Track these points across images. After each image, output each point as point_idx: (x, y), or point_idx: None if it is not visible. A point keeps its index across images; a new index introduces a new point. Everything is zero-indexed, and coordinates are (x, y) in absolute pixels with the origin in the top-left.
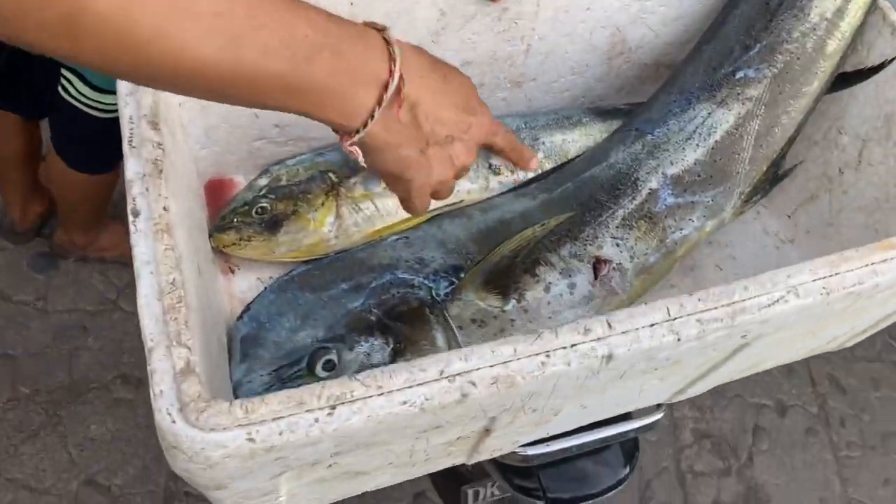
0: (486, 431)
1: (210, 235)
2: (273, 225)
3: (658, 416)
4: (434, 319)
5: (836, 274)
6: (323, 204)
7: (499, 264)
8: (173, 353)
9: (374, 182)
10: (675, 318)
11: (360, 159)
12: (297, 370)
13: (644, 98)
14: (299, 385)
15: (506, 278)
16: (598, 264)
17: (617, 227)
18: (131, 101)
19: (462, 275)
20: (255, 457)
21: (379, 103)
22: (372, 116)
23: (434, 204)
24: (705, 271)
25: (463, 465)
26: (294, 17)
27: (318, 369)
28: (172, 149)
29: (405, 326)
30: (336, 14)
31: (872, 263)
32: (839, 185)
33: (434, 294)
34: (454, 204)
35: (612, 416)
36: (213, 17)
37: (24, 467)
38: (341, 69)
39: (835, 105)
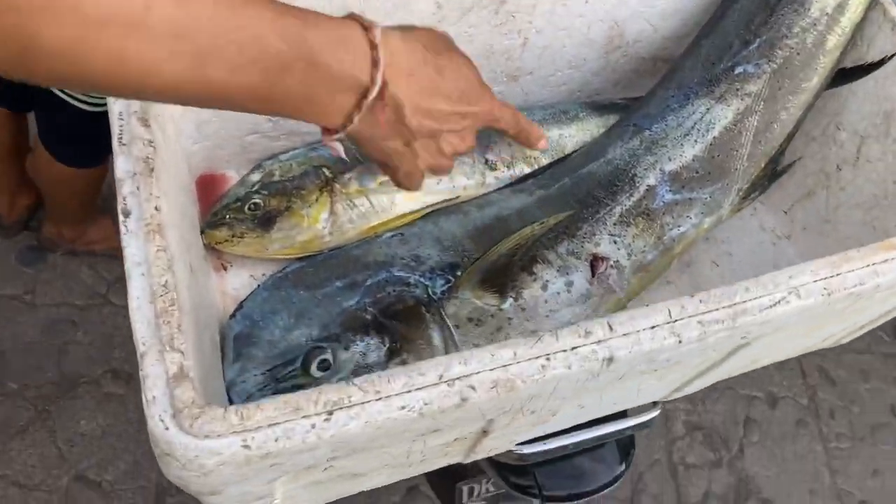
0: (484, 433)
1: (202, 232)
2: (266, 221)
3: (654, 413)
4: (430, 318)
5: (838, 274)
6: (317, 200)
7: (496, 263)
8: (166, 358)
9: (369, 178)
10: (677, 320)
11: (342, 154)
12: (291, 370)
13: (641, 92)
14: (294, 385)
15: (503, 276)
16: (595, 262)
17: (614, 224)
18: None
19: (458, 272)
20: (250, 463)
21: (359, 107)
22: (352, 119)
23: (429, 200)
24: (702, 267)
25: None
26: (265, 31)
27: (313, 369)
28: (163, 145)
29: (401, 325)
30: (321, 13)
31: (874, 264)
32: (837, 181)
33: (430, 292)
34: (450, 200)
35: (608, 413)
36: (174, 40)
37: (13, 464)
38: (318, 79)
39: (833, 101)
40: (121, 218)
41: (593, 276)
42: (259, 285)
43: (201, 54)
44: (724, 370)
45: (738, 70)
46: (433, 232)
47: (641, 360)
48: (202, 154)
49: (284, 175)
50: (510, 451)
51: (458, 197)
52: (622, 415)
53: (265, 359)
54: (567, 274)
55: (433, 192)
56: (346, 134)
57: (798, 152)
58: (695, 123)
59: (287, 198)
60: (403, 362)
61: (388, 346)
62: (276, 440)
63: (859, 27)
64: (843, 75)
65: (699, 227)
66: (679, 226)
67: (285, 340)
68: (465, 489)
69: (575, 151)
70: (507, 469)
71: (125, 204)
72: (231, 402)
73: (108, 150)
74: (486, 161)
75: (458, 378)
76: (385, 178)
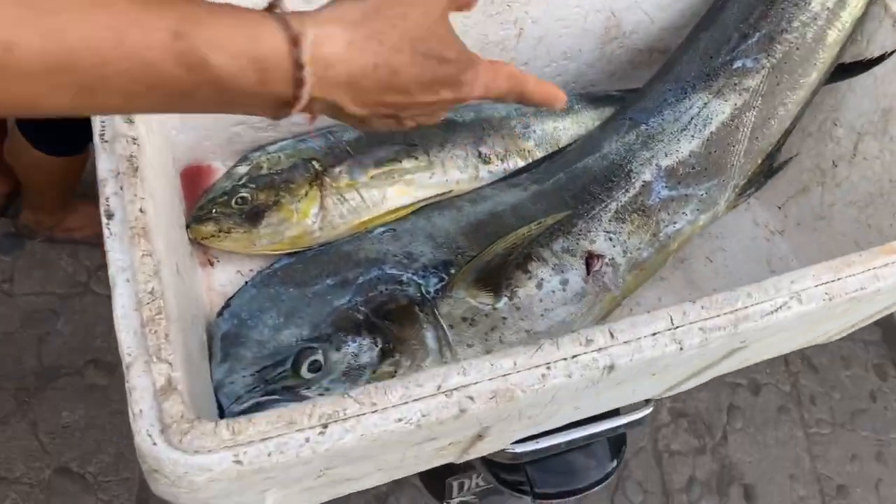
0: (479, 437)
1: (187, 227)
2: (254, 216)
3: (647, 411)
4: (424, 318)
5: (839, 279)
6: (306, 194)
7: (491, 262)
8: (153, 370)
9: (360, 171)
10: (678, 327)
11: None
12: (281, 371)
13: (637, 84)
14: (284, 387)
15: (498, 275)
16: (590, 259)
17: (610, 220)
18: None
19: (452, 270)
20: (242, 479)
21: (287, 112)
22: (284, 115)
23: (421, 194)
24: (695, 263)
25: None
26: (157, 58)
27: (304, 370)
28: (147, 140)
29: (394, 325)
30: (237, 23)
31: (874, 268)
32: (832, 177)
33: (423, 291)
34: (442, 194)
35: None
36: (49, 76)
37: None
38: (228, 100)
39: (831, 96)
40: (104, 220)
41: (588, 273)
42: (247, 282)
43: (86, 86)
44: (718, 370)
45: (737, 64)
46: (426, 228)
47: (642, 367)
48: (187, 145)
49: (272, 168)
50: (503, 450)
51: (450, 191)
52: (615, 413)
53: (254, 359)
54: (562, 272)
55: (425, 186)
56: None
57: (794, 148)
58: (692, 118)
59: (275, 192)
60: (396, 363)
61: (380, 346)
62: (268, 455)
63: (860, 22)
64: (842, 71)
65: (695, 223)
66: (675, 222)
67: (275, 340)
68: (455, 484)
69: (570, 144)
70: (499, 466)
71: (108, 205)
72: (219, 403)
73: (89, 138)
74: (480, 154)
75: (456, 388)
76: (377, 172)
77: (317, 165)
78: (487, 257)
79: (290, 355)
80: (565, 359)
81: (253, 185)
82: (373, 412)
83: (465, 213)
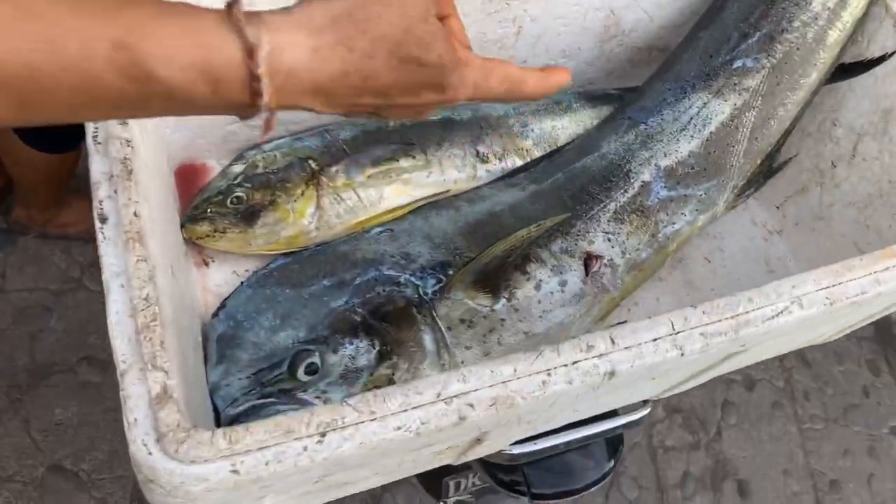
0: (478, 441)
1: (182, 226)
2: (249, 216)
3: (645, 411)
4: (421, 320)
5: (840, 283)
6: (303, 194)
7: (489, 264)
8: (148, 378)
9: (357, 170)
10: (679, 332)
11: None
12: (277, 374)
13: (635, 82)
14: (280, 390)
15: (496, 277)
16: (588, 260)
17: (608, 221)
18: None
19: (450, 271)
20: (239, 488)
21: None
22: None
23: (418, 194)
24: (693, 263)
25: None
26: (99, 71)
27: (300, 373)
28: (142, 141)
29: (391, 327)
30: (185, 29)
31: (876, 272)
32: (831, 178)
33: (421, 292)
34: (441, 194)
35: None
36: None
37: None
38: (181, 108)
39: (831, 96)
40: (97, 224)
41: (587, 275)
42: (242, 282)
43: (27, 101)
44: (716, 371)
45: (737, 64)
46: (423, 228)
47: (643, 373)
48: (181, 143)
49: (268, 167)
50: (500, 451)
51: (448, 191)
52: (613, 413)
53: (250, 361)
54: (561, 273)
55: (423, 185)
56: None
57: (793, 148)
58: (691, 118)
59: (271, 191)
60: (394, 366)
61: (377, 348)
62: (266, 464)
63: (860, 22)
64: (842, 71)
65: (693, 224)
66: (673, 223)
67: (271, 342)
68: (452, 484)
69: (568, 144)
70: (496, 467)
71: (101, 209)
72: (215, 406)
73: (82, 135)
74: (478, 153)
75: (455, 396)
76: (374, 171)
77: (313, 164)
78: (486, 259)
79: (286, 357)
80: (566, 365)
81: (248, 185)
82: (371, 420)
83: (463, 214)
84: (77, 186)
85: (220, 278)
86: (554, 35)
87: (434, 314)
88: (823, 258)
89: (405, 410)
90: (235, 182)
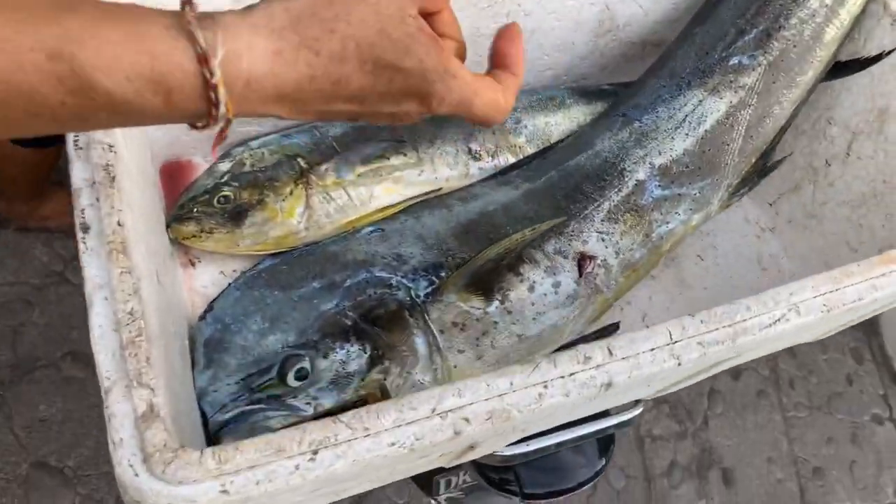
0: (470, 448)
1: (168, 226)
2: (237, 215)
3: (637, 411)
4: (414, 323)
5: (837, 290)
6: (291, 193)
7: (483, 267)
8: (134, 395)
9: (347, 169)
10: (677, 342)
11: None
12: (267, 379)
13: (629, 77)
14: (270, 396)
15: (489, 279)
16: (582, 261)
17: (602, 220)
18: None
19: (442, 273)
20: None
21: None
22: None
23: (410, 192)
24: (686, 261)
25: None
26: (37, 84)
27: (290, 378)
28: (124, 143)
29: (383, 331)
30: (130, 33)
31: (872, 278)
32: (825, 176)
33: (413, 295)
34: (432, 192)
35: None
36: None
37: None
38: (136, 120)
39: (826, 95)
40: (79, 233)
41: (580, 275)
42: (230, 284)
43: None
44: (708, 373)
45: (733, 61)
46: (415, 228)
47: (640, 383)
48: (166, 139)
49: (256, 165)
50: (493, 454)
51: (440, 189)
52: (605, 413)
53: (238, 366)
54: (554, 274)
55: (414, 183)
56: None
57: (787, 146)
58: (686, 116)
59: (259, 190)
60: (386, 371)
61: (369, 353)
62: (257, 483)
63: (858, 20)
64: (838, 69)
65: (688, 223)
66: (667, 222)
67: (260, 346)
68: (443, 482)
69: (561, 140)
70: (488, 467)
71: (84, 218)
72: (202, 412)
73: None
74: (470, 151)
75: (451, 410)
76: (364, 169)
77: (302, 163)
78: (479, 262)
79: (275, 363)
80: (563, 377)
81: (236, 184)
82: (365, 436)
83: (456, 213)
84: (59, 179)
85: (207, 279)
86: (548, 29)
87: (426, 317)
88: (816, 256)
89: (399, 426)
90: (222, 180)
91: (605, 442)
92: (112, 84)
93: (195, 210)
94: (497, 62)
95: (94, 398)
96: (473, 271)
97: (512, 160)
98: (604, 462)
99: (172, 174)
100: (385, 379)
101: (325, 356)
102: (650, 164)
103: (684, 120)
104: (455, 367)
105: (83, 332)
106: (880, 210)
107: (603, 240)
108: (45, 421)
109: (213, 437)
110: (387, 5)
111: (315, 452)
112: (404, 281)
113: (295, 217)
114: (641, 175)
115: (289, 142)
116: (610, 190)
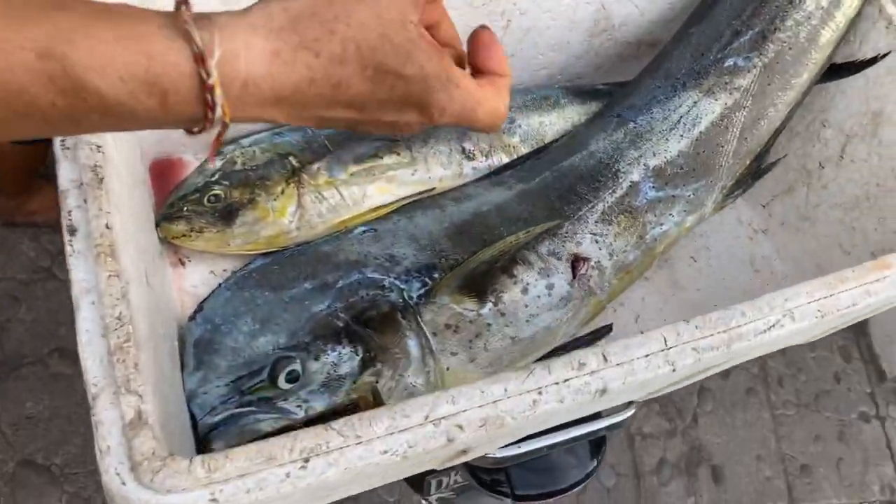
0: (463, 452)
1: (157, 225)
2: (227, 215)
3: (629, 413)
4: (406, 325)
5: (832, 295)
6: (283, 192)
7: (476, 269)
8: (122, 402)
9: (340, 168)
10: (671, 348)
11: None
12: (257, 381)
13: (624, 77)
14: (260, 398)
15: (482, 281)
16: (576, 262)
17: (596, 222)
18: None
19: (435, 274)
20: None
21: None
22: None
23: (403, 192)
24: (679, 262)
25: None
26: (26, 83)
27: (281, 381)
28: (113, 144)
29: (375, 333)
30: (123, 35)
31: (867, 283)
32: (818, 179)
33: (406, 297)
34: (426, 191)
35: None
36: None
37: None
38: (129, 124)
39: (820, 97)
40: (66, 236)
41: (574, 277)
42: (221, 284)
43: None
44: (702, 376)
45: (728, 63)
46: (408, 228)
47: (634, 388)
48: (156, 137)
49: (247, 163)
50: (485, 456)
51: (433, 189)
52: (597, 415)
53: (228, 368)
54: (548, 276)
55: (407, 183)
56: None
57: (781, 148)
58: (681, 117)
59: (250, 189)
60: (378, 373)
61: (361, 355)
62: (247, 492)
63: (853, 22)
64: (833, 71)
65: (681, 225)
66: (661, 224)
67: (250, 348)
68: (434, 482)
69: (555, 140)
70: (479, 469)
71: (70, 220)
72: (192, 414)
73: None
74: (464, 150)
75: (444, 417)
76: (357, 168)
77: (294, 161)
78: (473, 264)
79: (266, 364)
80: (557, 383)
81: (226, 182)
82: (357, 444)
83: (449, 213)
84: (45, 174)
85: (197, 278)
86: (543, 28)
87: (419, 319)
88: (808, 258)
89: (392, 434)
90: (213, 179)
91: (597, 443)
92: (105, 85)
93: (185, 209)
94: (481, 65)
95: (81, 395)
96: (467, 273)
97: (506, 160)
98: (595, 463)
99: (162, 172)
100: (377, 381)
101: (317, 358)
102: (644, 165)
103: (679, 121)
104: (448, 369)
105: (70, 329)
106: (873, 213)
107: (597, 241)
108: (32, 418)
109: (203, 439)
110: (388, 10)
111: (306, 460)
112: (397, 282)
113: (286, 216)
114: (636, 176)
115: (281, 140)
116: (604, 191)
